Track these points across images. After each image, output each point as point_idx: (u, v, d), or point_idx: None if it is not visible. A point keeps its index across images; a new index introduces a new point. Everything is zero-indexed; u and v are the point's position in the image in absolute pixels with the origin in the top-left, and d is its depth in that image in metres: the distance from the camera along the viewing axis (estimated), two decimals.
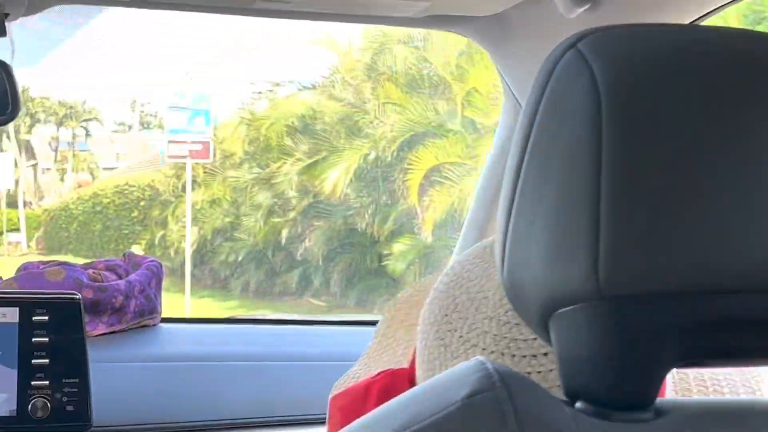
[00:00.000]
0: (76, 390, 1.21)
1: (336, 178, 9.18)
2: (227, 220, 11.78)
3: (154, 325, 1.50)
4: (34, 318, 1.21)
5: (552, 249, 0.40)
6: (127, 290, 1.43)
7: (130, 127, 36.78)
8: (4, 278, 1.40)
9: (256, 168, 11.19)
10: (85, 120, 29.02)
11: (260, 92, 15.89)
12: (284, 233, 10.03)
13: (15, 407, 1.18)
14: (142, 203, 18.59)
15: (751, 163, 0.38)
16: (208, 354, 1.41)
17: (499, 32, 1.26)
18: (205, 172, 14.57)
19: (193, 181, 15.31)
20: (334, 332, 1.65)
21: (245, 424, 1.34)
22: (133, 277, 1.47)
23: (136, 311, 1.45)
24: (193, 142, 11.18)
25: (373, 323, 0.86)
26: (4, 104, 1.05)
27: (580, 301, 0.40)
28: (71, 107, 29.44)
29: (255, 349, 1.46)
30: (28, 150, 32.36)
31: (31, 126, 29.96)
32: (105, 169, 30.71)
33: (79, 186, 26.36)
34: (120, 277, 1.48)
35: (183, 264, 14.23)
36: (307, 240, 9.79)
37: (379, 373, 0.59)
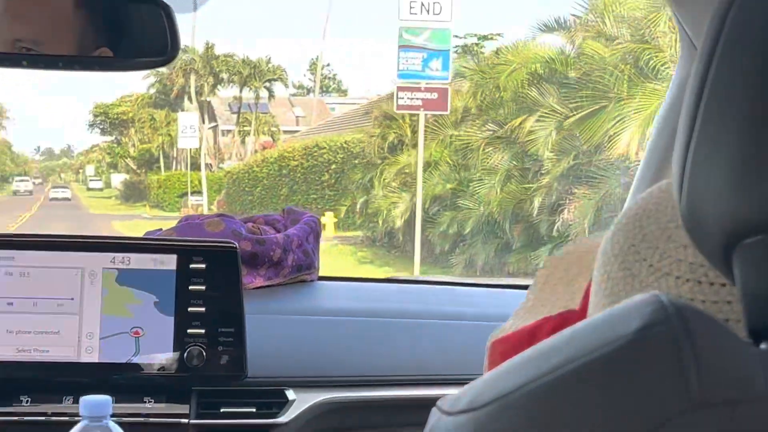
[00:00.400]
0: (231, 340, 1.23)
1: (630, 134, 7.10)
2: (449, 186, 9.94)
3: (312, 280, 1.53)
4: (191, 265, 1.24)
5: (739, 173, 0.38)
6: (285, 244, 1.46)
7: (309, 90, 35.91)
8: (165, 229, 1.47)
9: (490, 125, 9.25)
10: (269, 80, 28.31)
11: (465, 45, 13.86)
12: (535, 202, 8.06)
13: (171, 355, 1.22)
14: (333, 166, 17.07)
15: None
16: (365, 310, 1.44)
17: None
18: (415, 132, 12.78)
19: (401, 142, 13.49)
20: (491, 294, 1.65)
21: (399, 381, 1.33)
22: (291, 231, 1.49)
23: (294, 265, 1.48)
24: (428, 89, 9.31)
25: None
26: (163, 46, 1.09)
27: None
28: (255, 66, 28.86)
29: (412, 306, 1.47)
30: (208, 111, 32.05)
31: (214, 86, 29.54)
32: (285, 132, 30.14)
33: (263, 148, 25.82)
34: (278, 232, 1.50)
35: (388, 233, 12.58)
36: (565, 211, 7.78)
37: (543, 318, 0.59)
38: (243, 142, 29.30)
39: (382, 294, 1.60)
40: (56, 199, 41.50)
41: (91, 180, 66.60)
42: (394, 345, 1.38)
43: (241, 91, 29.42)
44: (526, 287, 1.04)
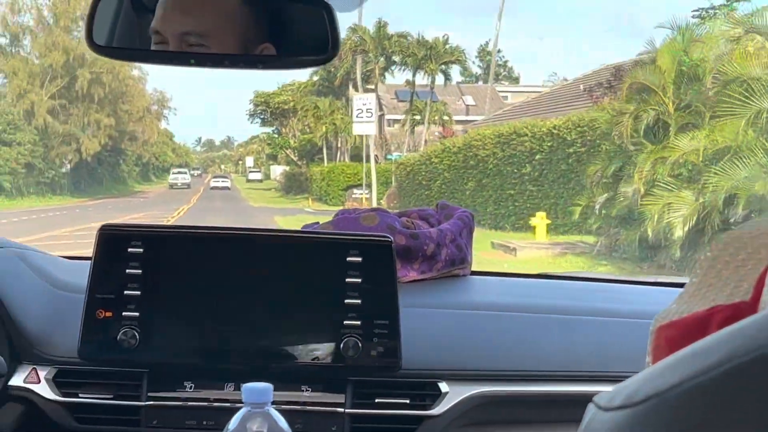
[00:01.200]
0: (386, 332, 1.29)
1: None
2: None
3: (464, 275, 1.58)
4: (347, 258, 1.30)
5: None
6: (439, 238, 1.50)
7: (477, 78, 32.53)
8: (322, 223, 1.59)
9: None
10: (446, 62, 25.49)
11: None
12: None
13: (328, 345, 1.30)
14: (537, 156, 14.73)
15: None
16: (517, 305, 1.46)
17: None
18: (681, 108, 9.34)
19: (658, 121, 10.07)
20: (647, 291, 1.64)
21: (551, 377, 1.36)
22: (444, 226, 1.55)
23: (447, 260, 1.53)
24: None
25: (682, 285, 0.81)
26: (323, 46, 1.14)
27: None
28: (431, 47, 26.13)
29: (565, 302, 1.48)
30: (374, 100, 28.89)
31: (385, 69, 26.79)
32: (457, 122, 27.14)
33: (443, 137, 22.86)
34: (432, 226, 1.56)
35: (647, 243, 9.16)
36: None
37: (713, 307, 0.60)
38: (412, 132, 26.67)
39: (535, 289, 1.63)
40: (216, 188, 43.00)
41: (250, 171, 67.83)
42: (546, 340, 1.39)
43: (414, 75, 27.68)
44: (682, 285, 0.96)
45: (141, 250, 1.29)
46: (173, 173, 48.33)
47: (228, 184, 46.21)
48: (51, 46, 39.09)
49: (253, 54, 1.17)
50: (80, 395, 1.31)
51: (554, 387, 1.34)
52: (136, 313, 1.28)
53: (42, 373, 1.32)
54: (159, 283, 1.30)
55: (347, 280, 1.28)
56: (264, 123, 42.32)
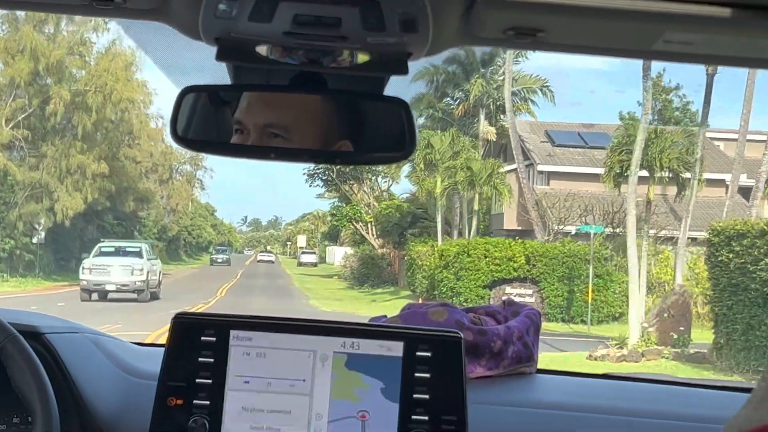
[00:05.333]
0: (453, 428, 1.90)
1: None
2: None
3: (530, 373, 2.32)
4: (417, 353, 1.93)
5: None
6: (506, 336, 2.23)
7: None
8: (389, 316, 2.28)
9: None
10: None
11: None
12: None
13: None
14: None
15: None
16: (582, 405, 2.16)
17: None
18: None
19: None
20: (713, 396, 2.39)
21: None
22: (512, 323, 2.27)
23: (514, 357, 2.26)
24: None
25: (749, 390, 1.32)
26: (401, 143, 1.68)
27: None
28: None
29: (630, 404, 2.18)
30: (510, 144, 29.36)
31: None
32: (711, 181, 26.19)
33: None
34: (498, 323, 2.29)
35: None
36: None
37: None
38: (618, 188, 24.32)
39: (600, 390, 2.36)
40: (263, 261, 63.41)
41: (303, 253, 72.91)
42: None
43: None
44: (748, 390, 1.70)
45: (214, 339, 1.92)
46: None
47: (272, 258, 67.44)
48: (15, 50, 35.87)
49: (332, 150, 1.78)
50: None
51: None
52: (207, 402, 1.90)
53: None
54: (230, 372, 1.91)
55: (416, 374, 1.89)
56: (328, 186, 42.26)
